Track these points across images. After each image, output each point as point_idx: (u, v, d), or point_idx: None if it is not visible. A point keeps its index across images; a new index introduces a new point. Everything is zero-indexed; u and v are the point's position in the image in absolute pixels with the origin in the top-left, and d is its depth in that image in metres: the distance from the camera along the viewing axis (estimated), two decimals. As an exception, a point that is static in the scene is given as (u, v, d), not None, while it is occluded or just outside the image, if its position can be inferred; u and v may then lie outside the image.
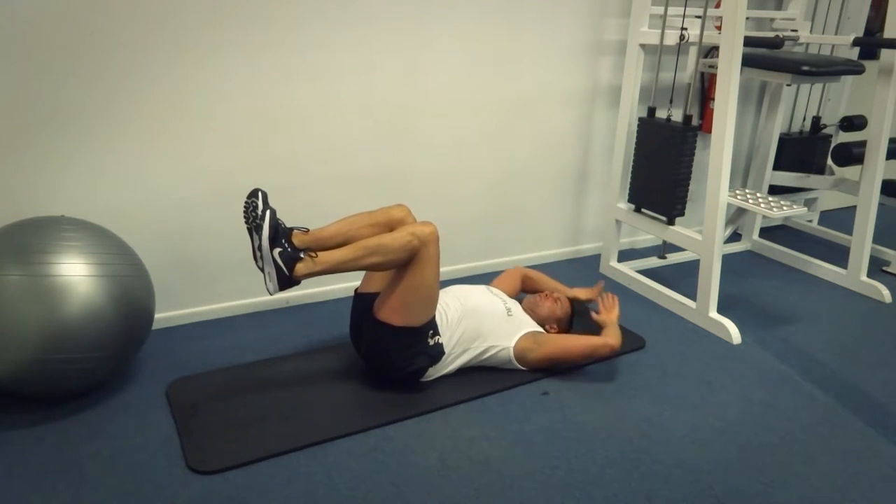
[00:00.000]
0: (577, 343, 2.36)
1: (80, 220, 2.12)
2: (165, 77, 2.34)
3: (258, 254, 2.02)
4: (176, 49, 2.33)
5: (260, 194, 2.03)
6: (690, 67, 3.11)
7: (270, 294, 2.03)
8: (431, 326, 2.17)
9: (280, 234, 2.02)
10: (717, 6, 2.99)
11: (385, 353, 2.17)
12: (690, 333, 2.76)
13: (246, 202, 2.04)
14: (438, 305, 2.22)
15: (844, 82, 3.81)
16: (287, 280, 2.01)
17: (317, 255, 2.03)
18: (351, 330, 2.32)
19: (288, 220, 2.78)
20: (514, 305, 2.45)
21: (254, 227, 2.01)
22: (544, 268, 3.33)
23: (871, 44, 3.41)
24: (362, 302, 2.24)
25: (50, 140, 2.25)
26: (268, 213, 2.00)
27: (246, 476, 1.83)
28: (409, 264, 2.08)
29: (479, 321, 2.29)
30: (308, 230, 2.12)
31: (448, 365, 2.26)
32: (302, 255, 2.02)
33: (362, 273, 2.32)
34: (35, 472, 1.81)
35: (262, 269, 2.03)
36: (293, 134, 2.62)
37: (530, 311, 2.50)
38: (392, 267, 2.11)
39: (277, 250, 1.99)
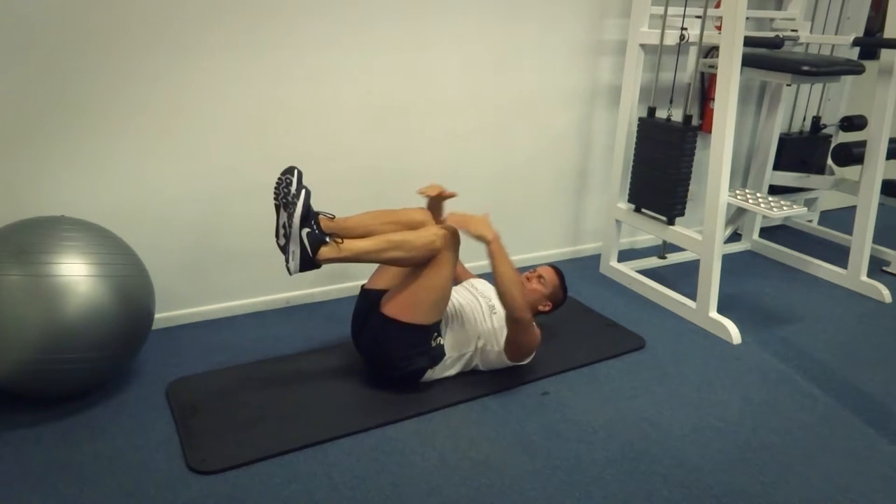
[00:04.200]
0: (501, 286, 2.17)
1: (80, 220, 2.12)
2: (166, 77, 2.34)
3: (282, 231, 2.00)
4: (177, 49, 2.33)
5: (296, 172, 2.01)
6: (690, 67, 3.11)
7: (290, 273, 2.02)
8: (437, 328, 2.17)
9: (310, 215, 2.02)
10: (717, 6, 2.99)
11: (387, 350, 2.16)
12: (690, 333, 2.76)
13: (279, 178, 2.01)
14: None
15: (844, 82, 3.81)
16: (309, 262, 2.00)
17: (342, 242, 2.03)
18: (353, 326, 2.31)
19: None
20: (498, 300, 2.40)
21: (283, 203, 1.99)
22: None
23: (871, 44, 3.41)
24: (368, 298, 2.24)
25: (50, 140, 2.25)
26: (303, 192, 1.99)
27: (246, 476, 1.83)
28: (425, 264, 2.09)
29: (470, 326, 2.27)
30: (334, 217, 2.13)
31: (447, 369, 2.26)
32: (328, 240, 2.01)
33: (368, 271, 2.32)
34: (35, 472, 1.81)
35: (283, 248, 2.01)
36: (294, 133, 2.62)
37: None
38: (411, 264, 2.12)
39: (306, 230, 1.98)
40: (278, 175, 2.02)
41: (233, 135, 2.51)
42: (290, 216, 1.97)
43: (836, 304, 3.10)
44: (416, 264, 2.11)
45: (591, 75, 3.20)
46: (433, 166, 2.96)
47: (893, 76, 2.90)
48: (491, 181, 3.14)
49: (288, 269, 2.01)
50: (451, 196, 2.40)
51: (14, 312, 1.85)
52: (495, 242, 2.15)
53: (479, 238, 2.13)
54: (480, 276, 2.85)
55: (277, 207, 2.01)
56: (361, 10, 2.59)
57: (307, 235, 1.98)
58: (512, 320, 2.19)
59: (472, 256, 3.17)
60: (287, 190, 1.99)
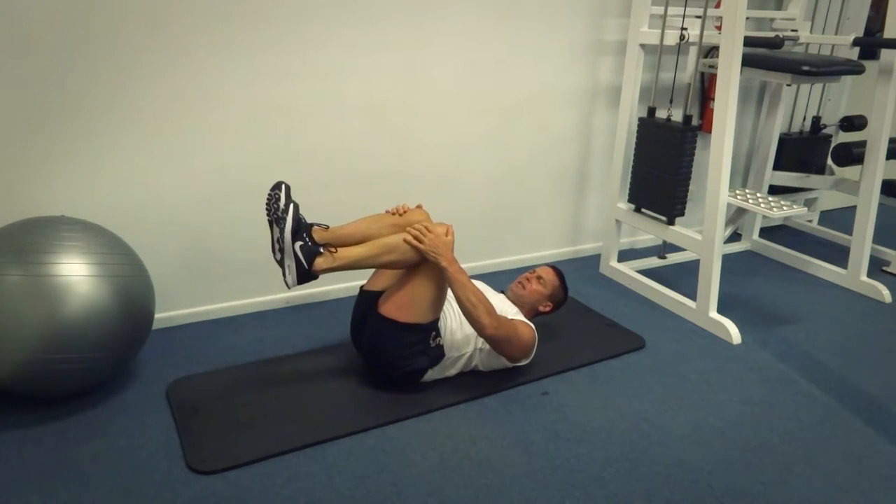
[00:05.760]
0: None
1: (80, 220, 2.12)
2: (165, 77, 2.34)
3: (277, 246, 2.03)
4: (176, 49, 2.32)
5: (283, 187, 2.04)
6: (690, 67, 3.11)
7: (288, 287, 2.04)
8: (435, 327, 2.17)
9: (301, 228, 2.04)
10: (717, 6, 2.99)
11: (386, 351, 2.16)
12: (690, 333, 2.76)
13: (269, 194, 2.05)
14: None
15: (844, 82, 3.81)
16: (306, 274, 2.03)
17: (336, 251, 2.06)
18: (352, 327, 2.32)
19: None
20: (497, 299, 2.38)
21: (275, 219, 2.02)
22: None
23: (871, 44, 3.41)
24: (367, 299, 2.24)
25: (50, 140, 2.25)
26: (291, 206, 2.01)
27: (246, 476, 1.83)
28: (421, 263, 2.10)
29: (468, 326, 2.25)
30: (328, 227, 2.14)
31: (447, 369, 2.26)
32: (322, 250, 2.04)
33: (370, 272, 2.32)
34: (35, 472, 1.81)
35: (279, 263, 2.04)
36: (292, 134, 2.62)
37: (517, 301, 2.45)
38: (407, 266, 2.13)
39: (298, 244, 2.01)
40: (268, 191, 2.05)
41: (232, 135, 2.51)
42: (282, 231, 1.99)
43: (836, 304, 3.10)
44: (414, 265, 2.12)
45: (591, 75, 3.20)
46: (433, 166, 2.96)
47: (893, 76, 2.90)
48: (491, 181, 3.14)
49: (286, 283, 2.04)
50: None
51: (14, 312, 1.85)
52: (450, 267, 2.08)
53: (434, 261, 2.08)
54: (478, 276, 2.86)
55: (270, 223, 2.04)
56: (361, 10, 2.58)
57: (300, 248, 2.01)
58: (484, 339, 2.20)
59: (470, 257, 3.18)
60: (276, 205, 2.02)
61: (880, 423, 2.20)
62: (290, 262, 2.01)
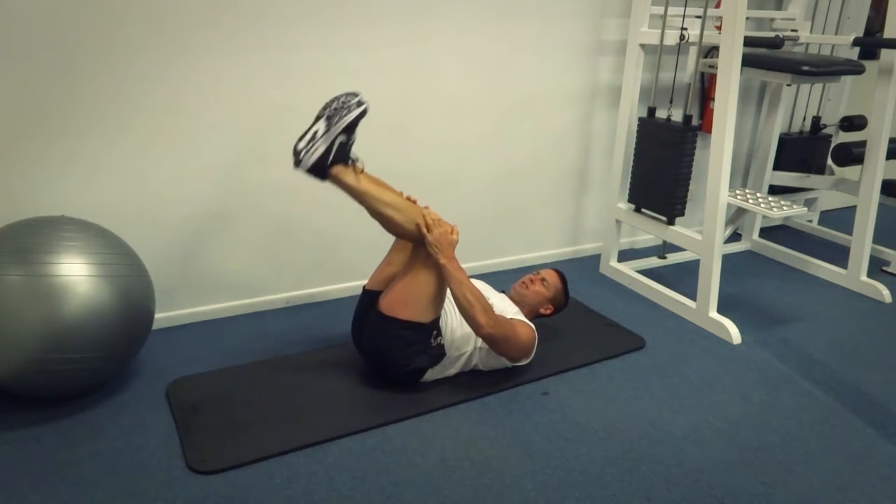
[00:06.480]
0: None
1: (80, 220, 2.12)
2: (165, 76, 2.34)
3: (309, 136, 1.98)
4: (175, 48, 2.32)
5: (360, 95, 2.02)
6: (690, 67, 3.11)
7: (295, 166, 2.00)
8: (436, 326, 2.17)
9: (354, 133, 2.02)
10: (717, 6, 2.99)
11: (387, 349, 2.16)
12: (690, 333, 2.76)
13: (340, 95, 2.01)
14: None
15: (844, 82, 3.81)
16: (322, 168, 2.00)
17: (363, 171, 2.05)
18: (353, 326, 2.32)
19: (285, 220, 2.78)
20: (497, 298, 2.39)
21: (330, 114, 1.98)
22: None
23: (871, 44, 3.41)
24: (368, 297, 2.25)
25: (50, 140, 2.25)
26: (364, 106, 2.00)
27: (246, 476, 1.83)
28: (422, 260, 2.10)
29: (468, 325, 2.26)
30: (357, 160, 2.10)
31: (447, 368, 2.26)
32: (350, 164, 2.03)
33: (367, 270, 2.32)
34: (35, 472, 1.81)
35: (298, 152, 1.99)
36: (291, 134, 2.61)
37: (518, 302, 2.46)
38: (401, 234, 2.15)
39: (342, 138, 1.98)
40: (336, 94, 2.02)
41: (232, 134, 2.51)
42: (339, 119, 1.96)
43: (836, 304, 3.10)
44: (406, 238, 2.14)
45: (591, 75, 3.20)
46: (433, 166, 2.96)
47: (893, 76, 2.90)
48: (491, 181, 3.14)
49: (297, 160, 1.99)
50: None
51: (14, 312, 1.85)
52: (449, 264, 2.09)
53: (433, 255, 2.09)
54: (478, 276, 2.86)
55: (318, 117, 2.00)
56: (360, 9, 2.58)
57: (340, 144, 1.99)
58: (481, 338, 2.20)
59: (470, 257, 3.17)
60: (343, 104, 1.98)
61: (880, 423, 2.20)
62: (321, 146, 1.97)
